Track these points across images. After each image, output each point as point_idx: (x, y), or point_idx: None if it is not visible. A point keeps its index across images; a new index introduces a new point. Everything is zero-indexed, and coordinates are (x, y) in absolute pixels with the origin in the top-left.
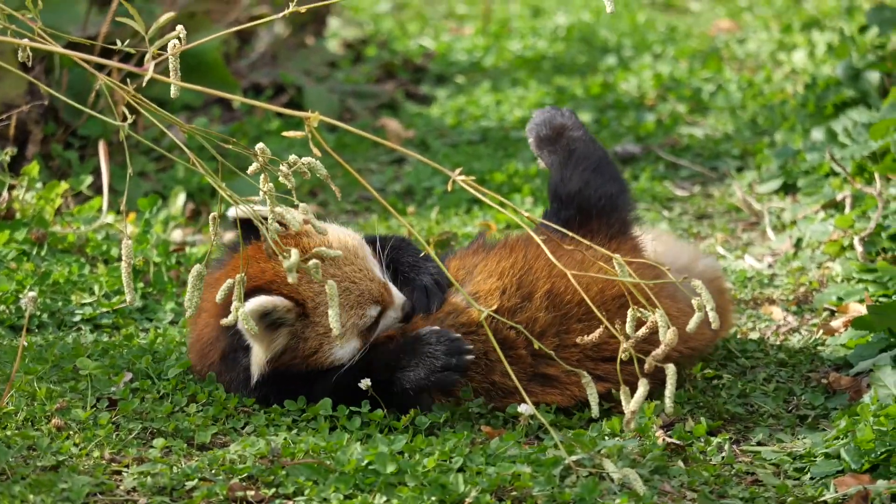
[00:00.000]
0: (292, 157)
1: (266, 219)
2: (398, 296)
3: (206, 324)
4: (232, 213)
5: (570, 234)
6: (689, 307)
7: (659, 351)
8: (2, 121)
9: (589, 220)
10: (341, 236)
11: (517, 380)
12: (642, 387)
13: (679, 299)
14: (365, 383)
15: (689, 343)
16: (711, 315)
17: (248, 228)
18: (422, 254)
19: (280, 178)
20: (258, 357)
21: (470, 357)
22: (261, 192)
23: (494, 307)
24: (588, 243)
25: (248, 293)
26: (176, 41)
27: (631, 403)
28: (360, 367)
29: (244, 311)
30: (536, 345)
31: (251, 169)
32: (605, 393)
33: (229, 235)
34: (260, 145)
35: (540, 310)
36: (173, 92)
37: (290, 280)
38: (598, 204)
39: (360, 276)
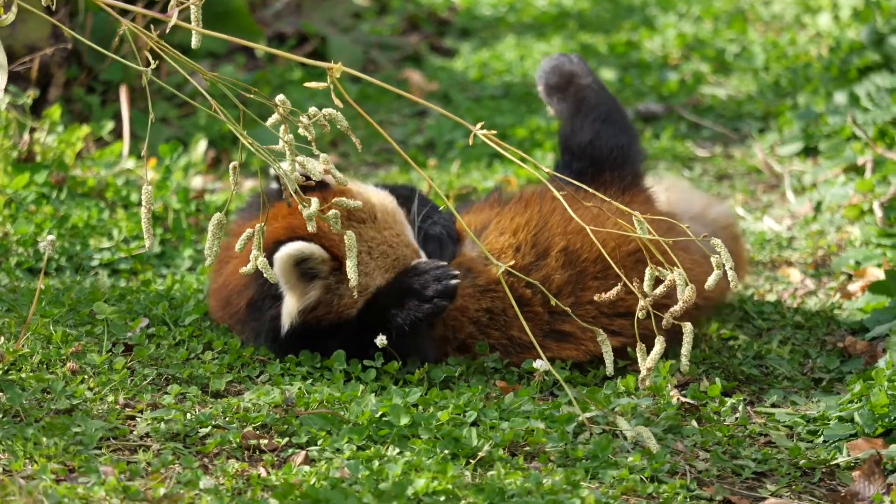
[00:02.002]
0: (312, 109)
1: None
2: (424, 254)
3: (233, 272)
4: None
5: (586, 187)
6: (704, 258)
7: (677, 308)
8: (25, 63)
9: (602, 173)
10: (382, 199)
11: (533, 335)
12: (659, 344)
13: (692, 251)
14: (381, 340)
15: (704, 293)
16: (730, 274)
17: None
18: (440, 208)
19: (300, 130)
20: (290, 307)
21: (455, 282)
22: (280, 143)
23: (510, 264)
24: (605, 198)
25: (289, 241)
26: None
27: (647, 360)
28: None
29: (280, 256)
30: (553, 302)
31: (271, 120)
32: (620, 348)
33: (273, 184)
34: (280, 97)
35: (556, 269)
36: (195, 42)
37: (309, 229)
38: (610, 156)
39: (398, 242)
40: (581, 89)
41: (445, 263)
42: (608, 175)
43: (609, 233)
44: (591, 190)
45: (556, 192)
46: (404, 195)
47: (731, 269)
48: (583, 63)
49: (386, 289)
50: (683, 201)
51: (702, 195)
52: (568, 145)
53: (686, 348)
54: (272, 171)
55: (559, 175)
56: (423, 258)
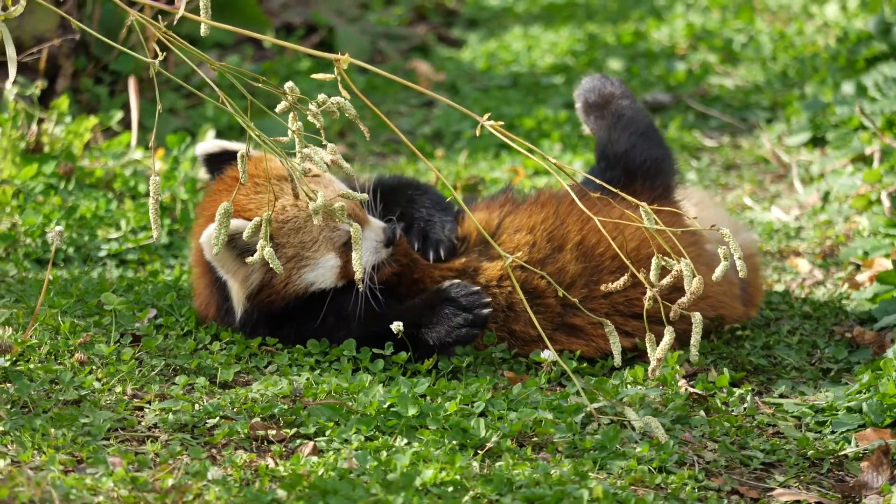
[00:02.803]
0: (321, 97)
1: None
2: (376, 219)
3: (198, 286)
4: (198, 150)
5: (614, 190)
6: (724, 279)
7: (684, 299)
8: (33, 54)
9: (633, 181)
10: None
11: (543, 329)
12: (668, 334)
13: (715, 268)
14: (396, 327)
15: (720, 311)
16: (739, 264)
17: (214, 163)
18: (447, 199)
19: (309, 118)
20: (236, 294)
21: (487, 311)
22: (289, 132)
23: (523, 259)
24: (624, 195)
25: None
26: None
27: (657, 350)
28: (385, 315)
29: (204, 240)
30: (561, 292)
31: (280, 107)
32: (630, 347)
33: (201, 174)
34: (289, 84)
35: (570, 261)
36: (203, 30)
37: (315, 222)
38: (643, 166)
39: (328, 192)
40: (621, 108)
41: (478, 290)
42: (639, 184)
43: (629, 236)
44: (619, 192)
45: (567, 188)
46: (416, 189)
47: (739, 258)
48: (623, 85)
49: (418, 306)
50: (711, 221)
51: (729, 219)
52: (605, 153)
53: (695, 337)
54: (197, 152)
55: (590, 177)
56: (371, 217)
